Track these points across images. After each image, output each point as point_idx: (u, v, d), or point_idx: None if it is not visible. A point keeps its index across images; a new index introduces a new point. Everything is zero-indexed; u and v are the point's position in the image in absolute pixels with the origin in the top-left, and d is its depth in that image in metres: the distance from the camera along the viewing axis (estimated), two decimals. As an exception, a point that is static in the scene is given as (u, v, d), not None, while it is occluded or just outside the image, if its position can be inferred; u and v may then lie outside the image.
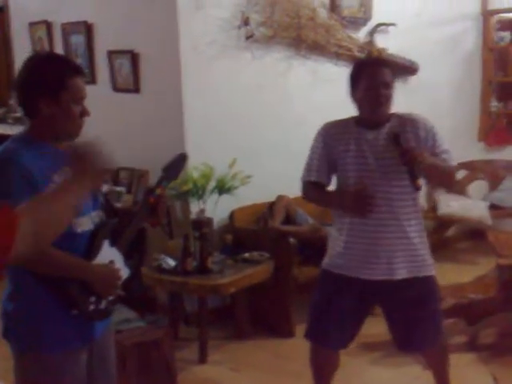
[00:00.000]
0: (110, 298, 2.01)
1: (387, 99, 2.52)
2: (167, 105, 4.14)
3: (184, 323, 3.95)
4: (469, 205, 5.39)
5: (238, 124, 4.27)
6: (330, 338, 2.65)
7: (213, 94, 4.13)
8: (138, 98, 4.33)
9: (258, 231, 4.02)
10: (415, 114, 2.63)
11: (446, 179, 2.64)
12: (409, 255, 2.56)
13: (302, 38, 4.47)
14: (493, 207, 5.40)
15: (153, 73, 4.20)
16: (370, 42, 4.93)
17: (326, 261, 2.69)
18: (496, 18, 6.03)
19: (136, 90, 4.29)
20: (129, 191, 4.23)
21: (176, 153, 2.23)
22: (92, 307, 1.95)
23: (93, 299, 1.95)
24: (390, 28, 5.03)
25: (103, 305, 1.99)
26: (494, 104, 6.12)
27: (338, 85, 4.73)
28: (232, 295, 3.84)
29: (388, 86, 2.51)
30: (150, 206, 2.06)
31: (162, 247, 3.87)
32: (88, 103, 1.97)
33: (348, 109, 2.66)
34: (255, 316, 3.91)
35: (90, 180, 1.57)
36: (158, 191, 2.07)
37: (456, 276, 4.17)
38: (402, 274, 2.56)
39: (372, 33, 4.95)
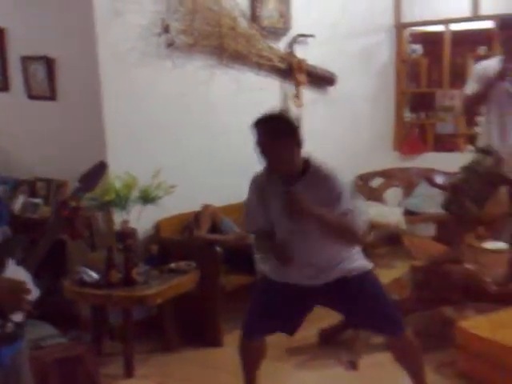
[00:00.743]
0: (19, 320, 1.86)
1: (285, 161, 2.53)
2: (86, 113, 4.02)
3: (109, 338, 3.84)
4: (385, 211, 5.56)
5: (160, 133, 4.21)
6: (257, 326, 2.77)
7: (134, 102, 4.06)
8: (54, 106, 4.17)
9: (183, 241, 3.97)
10: (331, 170, 2.61)
11: (343, 234, 2.60)
12: (340, 265, 2.67)
13: (224, 47, 4.48)
14: (407, 213, 5.61)
15: (70, 80, 4.07)
16: (290, 53, 5.01)
17: (266, 268, 2.82)
18: (408, 30, 6.28)
19: (52, 97, 4.14)
20: (46, 203, 4.08)
21: (96, 162, 2.13)
22: None
23: None
24: (309, 39, 5.13)
25: (10, 328, 1.84)
26: (407, 114, 6.38)
27: (261, 94, 4.86)
28: (159, 306, 3.76)
29: (283, 147, 2.50)
30: (65, 218, 1.95)
31: (84, 260, 3.75)
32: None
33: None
34: (183, 327, 3.86)
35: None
36: (73, 203, 1.97)
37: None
38: (334, 276, 2.67)
39: (292, 43, 5.03)
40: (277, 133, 2.50)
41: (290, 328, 2.84)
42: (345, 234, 2.57)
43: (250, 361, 2.89)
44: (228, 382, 3.24)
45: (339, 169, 2.65)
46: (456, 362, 3.36)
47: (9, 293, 1.80)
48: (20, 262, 1.88)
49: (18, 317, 1.87)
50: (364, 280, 2.71)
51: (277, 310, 2.73)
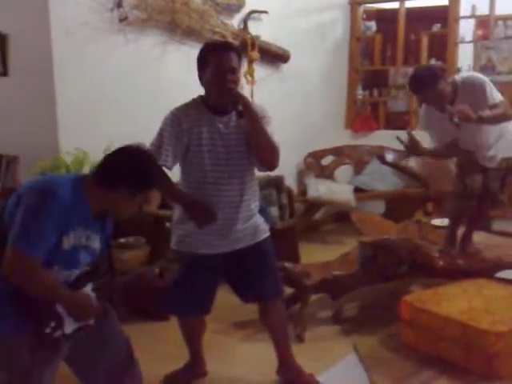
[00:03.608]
0: (68, 331, 2.03)
1: (234, 83, 2.63)
2: (38, 89, 4.00)
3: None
4: (336, 188, 5.65)
5: (112, 108, 4.20)
6: (189, 308, 2.87)
7: (86, 78, 4.04)
8: (6, 82, 4.13)
9: (133, 216, 3.98)
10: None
11: (270, 143, 2.66)
12: (250, 227, 2.78)
13: (177, 23, 4.48)
14: (357, 190, 5.70)
15: (22, 56, 4.03)
16: (244, 29, 5.02)
17: (174, 241, 2.85)
18: (362, 7, 6.33)
19: (4, 73, 4.10)
20: (-3, 177, 4.03)
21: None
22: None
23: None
24: (263, 16, 5.15)
25: (57, 335, 2.01)
26: (360, 92, 6.44)
27: (213, 71, 4.84)
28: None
29: (234, 70, 2.62)
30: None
31: None
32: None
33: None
34: (131, 301, 3.88)
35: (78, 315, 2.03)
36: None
37: (324, 256, 4.35)
38: (243, 243, 2.77)
39: (245, 20, 5.04)
40: (235, 59, 2.62)
41: (207, 305, 2.91)
42: (271, 143, 2.64)
43: (192, 334, 3.02)
44: (171, 352, 3.29)
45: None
46: (400, 334, 3.45)
47: (84, 305, 2.07)
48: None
49: (68, 328, 2.04)
50: (266, 245, 2.84)
51: (197, 286, 2.82)
